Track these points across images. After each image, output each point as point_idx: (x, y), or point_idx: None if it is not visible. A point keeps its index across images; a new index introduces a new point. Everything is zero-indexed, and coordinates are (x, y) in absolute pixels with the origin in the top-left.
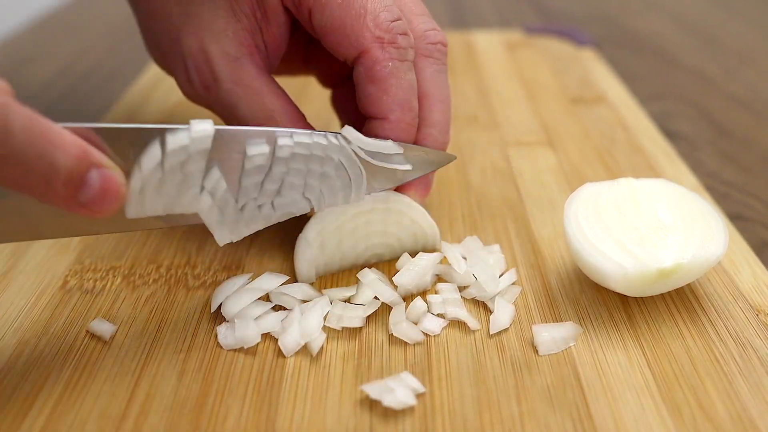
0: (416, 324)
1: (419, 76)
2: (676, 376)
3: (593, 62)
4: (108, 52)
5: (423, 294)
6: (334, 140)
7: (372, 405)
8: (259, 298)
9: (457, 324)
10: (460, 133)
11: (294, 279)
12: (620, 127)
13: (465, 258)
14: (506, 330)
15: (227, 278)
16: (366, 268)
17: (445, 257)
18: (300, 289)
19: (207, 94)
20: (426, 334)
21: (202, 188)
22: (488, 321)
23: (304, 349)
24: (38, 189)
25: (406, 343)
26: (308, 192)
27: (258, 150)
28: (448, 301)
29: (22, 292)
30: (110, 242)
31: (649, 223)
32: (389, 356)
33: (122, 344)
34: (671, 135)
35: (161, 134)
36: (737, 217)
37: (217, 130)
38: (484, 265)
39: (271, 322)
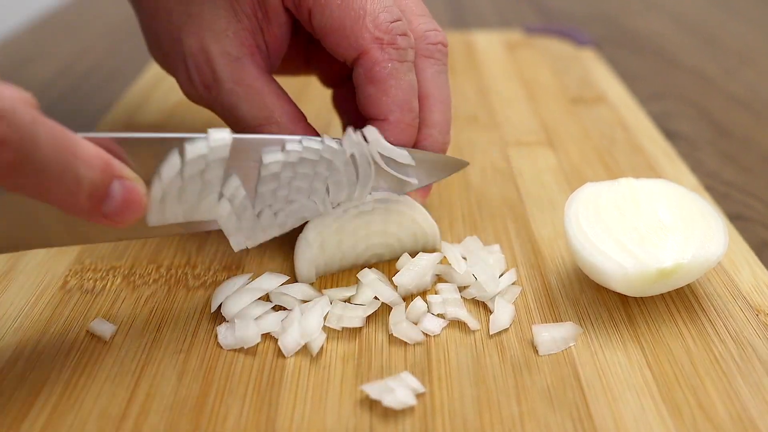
0: (416, 324)
1: (419, 77)
2: (676, 376)
3: (593, 62)
4: (108, 52)
5: (423, 294)
6: (351, 137)
7: (372, 405)
8: (259, 298)
9: (457, 324)
10: (460, 133)
11: (294, 279)
12: (620, 127)
13: (465, 258)
14: (506, 330)
15: (227, 278)
16: (366, 268)
17: (445, 257)
18: (300, 289)
19: (208, 93)
20: (426, 334)
21: (221, 195)
22: (488, 321)
23: (304, 349)
24: (63, 201)
25: (406, 343)
26: (314, 194)
27: (274, 158)
28: (448, 301)
29: (22, 292)
30: (110, 242)
31: (649, 223)
32: (389, 356)
33: (122, 344)
34: (671, 135)
35: (180, 143)
36: (737, 217)
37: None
38: (484, 265)
39: (271, 322)
